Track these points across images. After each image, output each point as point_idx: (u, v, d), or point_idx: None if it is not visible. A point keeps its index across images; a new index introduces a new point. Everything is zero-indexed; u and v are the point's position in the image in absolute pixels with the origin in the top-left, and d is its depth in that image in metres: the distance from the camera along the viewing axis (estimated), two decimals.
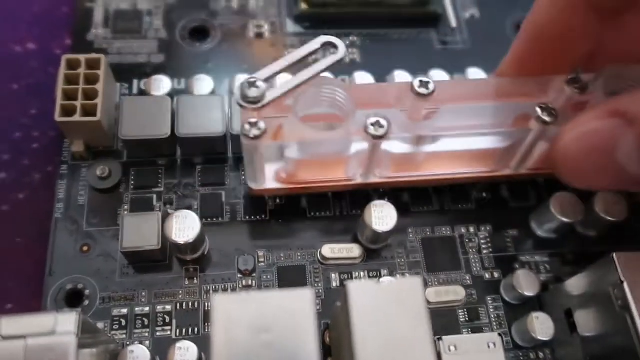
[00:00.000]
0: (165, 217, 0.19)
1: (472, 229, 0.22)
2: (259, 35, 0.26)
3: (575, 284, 0.19)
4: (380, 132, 0.17)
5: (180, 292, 0.20)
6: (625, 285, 0.16)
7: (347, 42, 0.26)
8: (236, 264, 0.20)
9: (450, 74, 0.25)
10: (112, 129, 0.22)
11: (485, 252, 0.22)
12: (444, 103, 0.19)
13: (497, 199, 0.23)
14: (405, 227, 0.22)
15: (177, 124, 0.21)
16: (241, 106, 0.17)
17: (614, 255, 0.16)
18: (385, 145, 0.18)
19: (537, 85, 0.19)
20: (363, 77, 0.24)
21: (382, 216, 0.20)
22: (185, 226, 0.19)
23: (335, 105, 0.19)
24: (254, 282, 0.20)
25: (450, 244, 0.22)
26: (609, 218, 0.21)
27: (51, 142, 0.23)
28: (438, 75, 0.25)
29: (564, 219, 0.21)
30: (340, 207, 0.22)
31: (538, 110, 0.18)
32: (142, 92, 0.23)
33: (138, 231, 0.19)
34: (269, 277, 0.20)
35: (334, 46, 0.18)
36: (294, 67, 0.18)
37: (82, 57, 0.21)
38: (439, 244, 0.22)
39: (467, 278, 0.21)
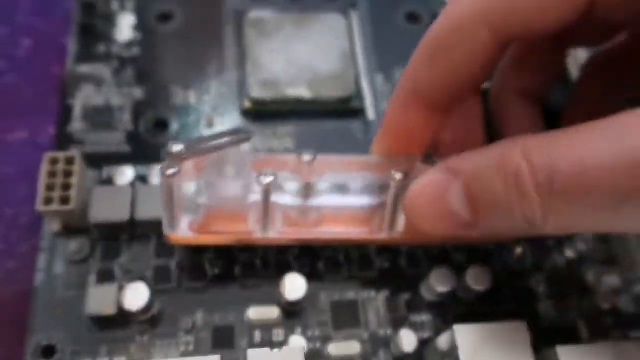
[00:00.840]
0: (121, 287, 0.25)
1: (372, 293, 0.27)
2: (210, 126, 0.31)
3: (438, 343, 0.24)
4: (269, 179, 0.22)
5: (133, 346, 0.25)
6: (459, 352, 0.21)
7: (284, 132, 0.32)
8: (178, 323, 0.26)
9: None
10: (84, 211, 0.27)
11: (382, 312, 0.27)
12: (326, 171, 0.24)
13: (395, 267, 0.28)
14: (317, 292, 0.27)
15: (135, 209, 0.27)
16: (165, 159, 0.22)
17: (454, 326, 0.22)
18: (276, 198, 0.24)
19: (407, 161, 0.24)
20: None
21: (293, 287, 0.25)
22: (136, 295, 0.24)
23: (236, 163, 0.24)
24: (192, 338, 0.26)
25: (353, 306, 0.27)
26: (476, 287, 0.26)
27: (36, 219, 0.29)
28: None
29: (441, 289, 0.26)
30: (267, 272, 0.27)
31: (392, 172, 0.22)
32: (110, 179, 0.29)
33: (98, 299, 0.25)
34: (204, 335, 0.26)
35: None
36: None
37: (60, 155, 0.27)
38: (344, 305, 0.27)
39: (365, 335, 0.26)
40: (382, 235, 0.26)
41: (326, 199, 0.25)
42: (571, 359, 0.21)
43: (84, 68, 0.32)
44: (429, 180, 0.20)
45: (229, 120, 0.32)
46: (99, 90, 0.32)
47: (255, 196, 0.24)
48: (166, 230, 0.25)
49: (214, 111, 0.32)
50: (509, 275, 0.28)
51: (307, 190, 0.24)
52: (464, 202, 0.19)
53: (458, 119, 0.24)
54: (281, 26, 0.33)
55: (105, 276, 0.27)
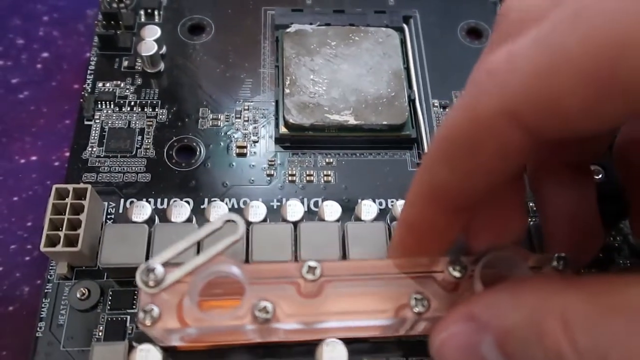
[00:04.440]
0: (131, 347, 0.21)
1: None
2: (242, 155, 0.28)
3: None
4: (266, 316, 0.18)
5: None
6: None
7: (324, 162, 0.28)
8: None
9: None
10: (94, 250, 0.24)
11: None
12: (336, 278, 0.20)
13: None
14: (360, 357, 0.23)
15: (152, 252, 0.23)
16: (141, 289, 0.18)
17: None
18: (277, 325, 0.19)
19: (430, 261, 0.20)
20: (331, 207, 0.25)
21: (333, 357, 0.21)
22: None
23: (228, 283, 0.19)
24: None
25: None
26: None
27: (41, 255, 0.25)
28: None
29: None
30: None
31: (412, 302, 0.19)
32: (125, 214, 0.25)
33: None
34: None
35: (236, 223, 0.19)
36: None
37: (70, 187, 0.23)
38: None
39: None
40: (397, 334, 0.21)
41: (334, 324, 0.20)
42: None
43: (104, 85, 0.29)
44: (452, 333, 0.17)
45: (263, 147, 0.28)
46: (120, 111, 0.28)
47: (251, 326, 0.19)
48: (158, 343, 0.21)
49: (246, 137, 0.28)
50: None
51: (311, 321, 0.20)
52: (499, 356, 0.16)
53: (492, 207, 0.19)
54: (324, 42, 0.29)
55: (116, 329, 0.23)
